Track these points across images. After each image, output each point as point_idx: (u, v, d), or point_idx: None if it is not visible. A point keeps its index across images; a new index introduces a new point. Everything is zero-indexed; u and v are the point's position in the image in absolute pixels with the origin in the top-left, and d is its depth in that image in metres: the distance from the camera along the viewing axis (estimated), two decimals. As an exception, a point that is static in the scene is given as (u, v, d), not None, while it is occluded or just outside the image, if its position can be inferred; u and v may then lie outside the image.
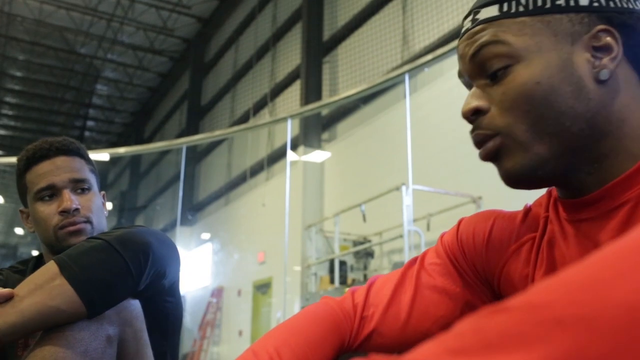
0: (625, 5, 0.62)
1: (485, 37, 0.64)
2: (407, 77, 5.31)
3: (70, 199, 1.20)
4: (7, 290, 0.89)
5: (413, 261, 0.81)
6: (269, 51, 11.44)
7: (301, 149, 8.75)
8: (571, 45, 0.62)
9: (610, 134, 0.61)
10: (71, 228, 1.19)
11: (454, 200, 5.64)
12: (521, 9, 0.63)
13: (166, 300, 1.18)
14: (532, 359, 0.24)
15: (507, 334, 0.26)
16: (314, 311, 0.76)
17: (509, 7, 0.64)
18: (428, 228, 5.79)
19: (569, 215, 0.66)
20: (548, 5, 0.63)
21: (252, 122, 10.91)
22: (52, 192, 1.22)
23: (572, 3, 0.62)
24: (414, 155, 4.97)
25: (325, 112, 8.88)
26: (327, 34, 9.65)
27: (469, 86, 0.69)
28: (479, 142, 0.65)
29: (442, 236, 0.82)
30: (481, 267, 0.76)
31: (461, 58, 0.68)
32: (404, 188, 5.14)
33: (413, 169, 4.95)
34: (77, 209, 1.20)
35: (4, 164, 10.29)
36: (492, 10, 0.65)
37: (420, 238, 5.49)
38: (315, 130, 9.05)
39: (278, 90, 10.85)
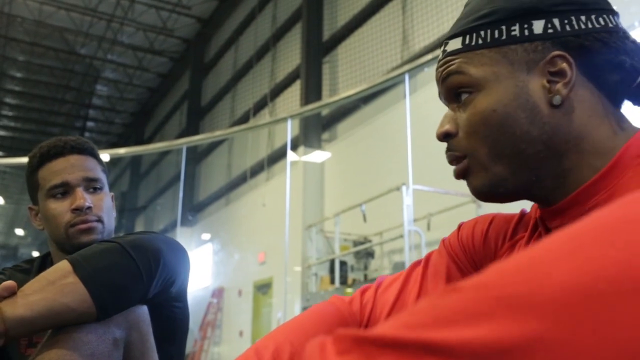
0: (582, 27, 0.65)
1: (451, 66, 0.70)
2: (407, 77, 5.31)
3: (84, 197, 1.20)
4: (12, 282, 0.88)
5: (417, 262, 0.84)
6: (269, 51, 11.44)
7: (301, 149, 8.74)
8: (527, 73, 0.66)
9: (570, 152, 0.65)
10: (83, 226, 1.20)
11: (454, 200, 5.64)
12: (480, 41, 0.68)
13: (174, 305, 1.18)
14: (479, 333, 0.27)
15: (457, 310, 0.28)
16: (320, 311, 0.78)
17: (470, 40, 0.69)
18: (428, 228, 5.79)
19: (548, 222, 0.70)
20: (504, 37, 0.67)
21: (252, 122, 10.91)
22: (64, 190, 1.22)
23: (526, 33, 0.66)
24: (414, 155, 4.98)
25: (325, 112, 8.88)
26: (327, 34, 9.65)
27: (447, 106, 0.75)
28: (450, 162, 0.72)
29: (443, 240, 0.86)
30: (480, 265, 0.80)
31: (437, 82, 0.75)
32: (404, 188, 5.14)
33: (413, 168, 4.95)
34: (89, 207, 1.20)
35: (4, 165, 10.30)
36: (456, 43, 0.70)
37: (421, 238, 5.49)
38: (315, 130, 9.05)
39: (278, 90, 10.85)
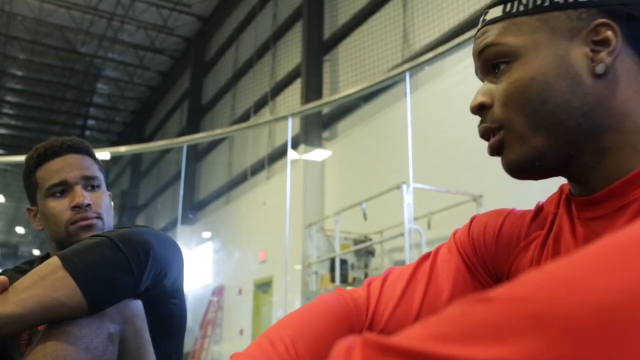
0: None
1: (487, 38, 0.68)
2: (407, 75, 5.31)
3: (83, 195, 1.21)
4: (3, 278, 0.88)
5: (426, 256, 0.82)
6: (270, 50, 11.44)
7: (302, 147, 8.74)
8: (569, 41, 0.63)
9: (611, 128, 0.62)
10: (83, 223, 1.21)
11: (454, 199, 5.63)
12: (522, 8, 0.66)
13: (170, 302, 1.18)
14: (506, 351, 0.25)
15: (486, 324, 0.27)
16: (327, 302, 0.77)
17: (511, 7, 0.66)
18: (429, 226, 5.79)
19: (579, 213, 0.67)
20: (547, 3, 0.64)
21: (252, 120, 10.91)
22: (63, 189, 1.23)
23: (570, 0, 0.63)
24: (415, 153, 4.97)
25: (325, 110, 8.88)
26: (327, 33, 9.64)
27: (482, 81, 0.72)
28: (483, 135, 0.69)
29: (454, 233, 0.83)
30: (491, 264, 0.77)
31: (473, 56, 0.72)
32: (404, 186, 5.14)
33: (414, 167, 4.95)
34: (89, 204, 1.22)
35: (4, 163, 10.30)
36: (497, 11, 0.68)
37: (421, 236, 5.49)
38: (315, 128, 9.05)
39: (278, 88, 10.85)
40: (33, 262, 1.32)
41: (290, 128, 6.55)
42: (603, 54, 0.62)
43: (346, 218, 6.81)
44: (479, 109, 0.68)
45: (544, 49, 0.64)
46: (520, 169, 0.66)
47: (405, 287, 0.78)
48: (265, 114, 10.86)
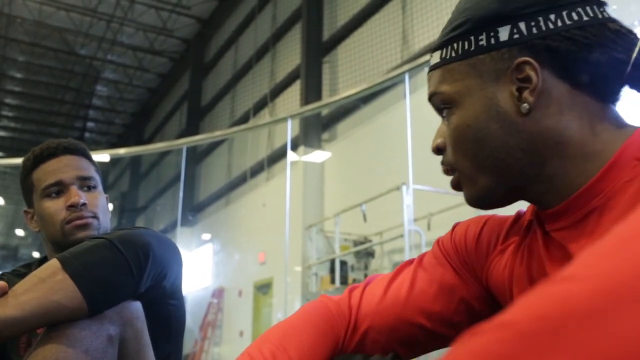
0: (551, 26, 0.62)
1: (431, 87, 0.71)
2: (407, 76, 5.31)
3: (78, 194, 1.22)
4: (2, 282, 0.88)
5: (410, 261, 0.84)
6: (269, 51, 11.44)
7: (301, 149, 8.74)
8: (496, 82, 0.65)
9: (553, 157, 0.63)
10: (78, 222, 1.21)
11: (454, 200, 5.63)
12: (453, 54, 0.68)
13: (169, 303, 1.18)
14: None
15: (478, 354, 0.27)
16: (310, 313, 0.78)
17: (445, 53, 0.69)
18: (429, 227, 5.79)
19: (545, 224, 0.69)
20: (472, 47, 0.66)
21: (252, 122, 10.90)
22: (59, 189, 1.23)
23: (492, 41, 0.64)
24: (415, 154, 4.97)
25: (325, 112, 8.88)
26: (326, 34, 9.64)
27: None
28: (445, 173, 0.74)
29: (437, 240, 0.85)
30: (472, 267, 0.79)
31: None
32: (404, 188, 5.13)
33: (413, 168, 4.95)
34: (84, 204, 1.22)
35: (4, 165, 10.30)
36: (436, 57, 0.71)
37: (421, 238, 5.49)
38: (315, 130, 9.05)
39: (278, 90, 10.85)
40: (31, 265, 1.32)
41: (290, 129, 6.55)
42: (526, 93, 0.63)
43: (346, 219, 6.80)
44: (437, 151, 0.73)
45: (475, 94, 0.66)
46: (477, 205, 0.70)
47: (387, 286, 0.80)
48: (265, 116, 10.85)
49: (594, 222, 0.62)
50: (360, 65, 8.50)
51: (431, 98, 0.71)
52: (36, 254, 23.07)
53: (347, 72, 8.82)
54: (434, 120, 0.73)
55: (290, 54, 10.56)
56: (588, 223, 0.62)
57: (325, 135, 9.19)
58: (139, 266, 0.98)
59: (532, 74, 0.62)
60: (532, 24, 0.63)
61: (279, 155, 9.94)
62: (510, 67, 0.63)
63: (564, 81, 0.63)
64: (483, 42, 0.65)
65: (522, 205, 0.80)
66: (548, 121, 0.63)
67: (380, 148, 7.44)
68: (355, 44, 8.78)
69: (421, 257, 0.83)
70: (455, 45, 0.67)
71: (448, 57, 0.68)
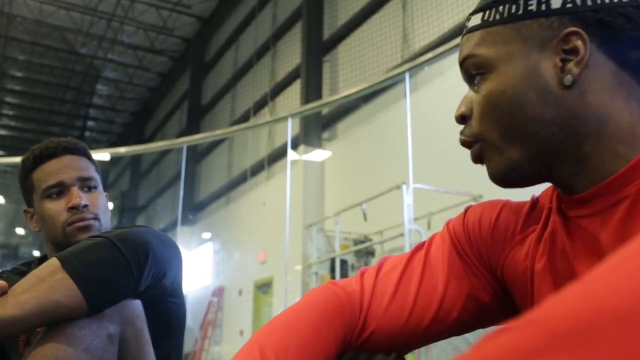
0: (605, 1, 0.60)
1: (466, 49, 0.68)
2: (407, 75, 5.30)
3: (79, 196, 1.21)
4: (2, 282, 0.88)
5: (420, 246, 0.81)
6: (269, 50, 11.44)
7: (301, 148, 8.74)
8: (540, 51, 0.63)
9: (589, 136, 0.61)
10: (80, 224, 1.20)
11: (454, 199, 5.63)
12: (497, 17, 0.65)
13: (169, 301, 1.18)
14: None
15: (505, 350, 0.27)
16: (318, 302, 0.74)
17: (489, 16, 0.66)
18: (429, 227, 5.79)
19: (570, 211, 0.66)
20: (520, 11, 0.63)
21: (252, 121, 10.90)
22: (60, 190, 1.23)
23: (543, 7, 0.62)
24: (415, 153, 4.97)
25: (325, 111, 8.88)
26: (327, 33, 9.64)
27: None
28: (462, 144, 0.70)
29: (448, 223, 0.82)
30: (486, 256, 0.76)
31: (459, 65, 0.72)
32: (404, 187, 5.13)
33: (414, 167, 4.95)
34: (85, 205, 1.21)
35: (4, 164, 10.30)
36: (476, 19, 0.68)
37: (421, 237, 5.48)
38: (315, 129, 9.05)
39: (278, 89, 10.84)
40: (31, 264, 1.32)
41: (290, 129, 6.55)
42: (571, 65, 0.61)
43: (346, 218, 6.80)
44: (461, 119, 0.69)
45: (516, 60, 0.63)
46: (501, 180, 0.67)
47: (399, 279, 0.77)
48: (265, 115, 10.85)
49: (626, 211, 0.59)
50: (360, 64, 8.50)
51: (464, 61, 0.68)
52: (36, 253, 23.08)
53: (348, 71, 8.82)
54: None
55: (291, 53, 10.56)
56: (618, 211, 0.60)
57: (325, 135, 9.19)
58: (138, 265, 0.98)
59: (580, 45, 0.60)
60: None
61: (279, 154, 9.94)
62: (558, 37, 0.62)
63: (611, 59, 0.62)
64: (533, 7, 0.63)
65: (534, 191, 0.78)
66: (590, 97, 0.61)
67: (380, 147, 7.44)
68: (356, 43, 8.77)
69: (430, 243, 0.80)
70: (500, 7, 0.65)
71: (492, 19, 0.65)
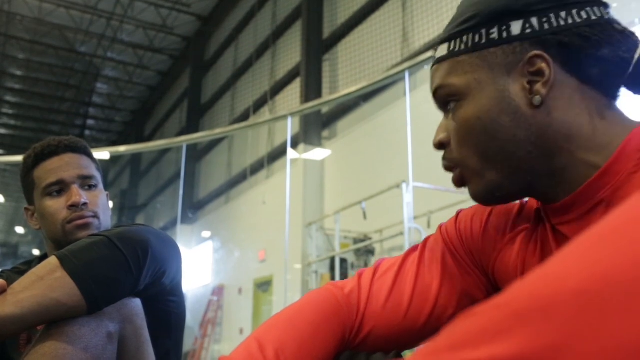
0: (562, 23, 0.64)
1: (437, 80, 0.71)
2: (407, 74, 5.30)
3: (79, 194, 1.22)
4: (1, 281, 0.88)
5: (414, 248, 0.84)
6: (269, 49, 11.43)
7: (301, 146, 8.74)
8: (507, 76, 0.66)
9: (561, 150, 0.64)
10: (79, 222, 1.21)
11: (454, 198, 5.63)
12: (462, 47, 0.68)
13: (169, 299, 1.18)
14: (494, 350, 0.27)
15: (475, 332, 0.28)
16: (317, 302, 0.77)
17: (454, 46, 0.69)
18: (429, 225, 5.80)
19: (552, 218, 0.69)
20: (484, 40, 0.67)
21: (252, 120, 10.90)
22: (60, 188, 1.23)
23: (504, 35, 0.66)
24: (415, 152, 4.97)
25: (325, 109, 8.88)
26: (327, 32, 9.64)
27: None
28: (445, 169, 0.73)
29: (440, 226, 0.85)
30: (478, 256, 0.79)
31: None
32: (404, 185, 5.13)
33: (413, 166, 4.95)
34: (85, 203, 1.22)
35: (4, 163, 10.30)
36: (443, 49, 0.71)
37: (421, 235, 5.49)
38: (315, 128, 9.05)
39: (278, 88, 10.84)
40: (31, 263, 1.32)
41: (290, 127, 6.55)
42: (539, 86, 0.64)
43: (346, 217, 6.80)
44: (440, 146, 0.72)
45: (486, 86, 0.66)
46: (483, 200, 0.70)
47: (394, 279, 0.80)
48: (265, 113, 10.85)
49: (601, 215, 0.62)
50: (360, 62, 8.50)
51: (436, 91, 0.71)
52: (36, 252, 23.07)
53: (348, 70, 8.82)
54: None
55: (291, 51, 10.55)
56: (595, 216, 0.63)
57: (325, 133, 9.19)
58: (137, 263, 0.98)
59: (544, 67, 0.64)
60: (544, 19, 0.64)
61: (279, 152, 9.94)
62: (522, 61, 0.65)
63: (573, 76, 0.65)
64: (495, 36, 0.66)
65: None
66: (558, 114, 0.64)
67: (380, 146, 7.44)
68: (356, 42, 8.77)
69: (424, 245, 0.83)
70: (464, 38, 0.68)
71: (457, 49, 0.68)
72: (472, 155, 0.68)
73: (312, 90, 9.12)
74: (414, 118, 5.11)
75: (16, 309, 0.86)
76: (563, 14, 0.64)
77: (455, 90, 0.68)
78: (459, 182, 0.72)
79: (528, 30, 0.65)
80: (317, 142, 8.96)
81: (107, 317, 0.95)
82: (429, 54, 5.09)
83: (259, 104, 11.47)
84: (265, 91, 11.21)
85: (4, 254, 25.19)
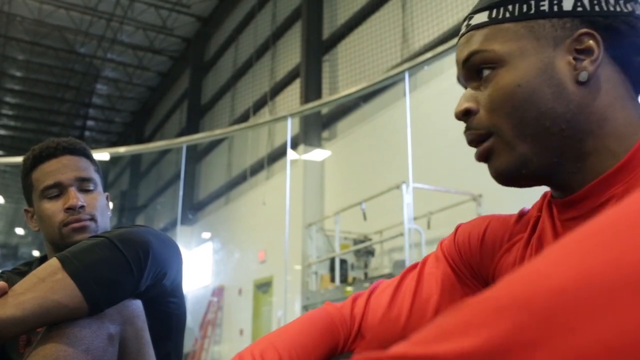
0: (610, 9, 0.65)
1: (473, 45, 0.69)
2: (407, 75, 5.31)
3: (76, 196, 1.21)
4: (2, 283, 0.88)
5: (413, 266, 0.84)
6: (269, 50, 11.44)
7: (301, 147, 8.74)
8: (553, 49, 0.65)
9: (592, 134, 0.64)
10: (76, 225, 1.21)
11: (454, 198, 5.64)
12: (507, 15, 0.67)
13: (169, 300, 1.18)
14: (476, 342, 0.28)
15: (458, 323, 0.29)
16: (309, 316, 0.79)
17: (497, 13, 0.68)
18: (428, 226, 5.79)
19: (560, 214, 0.69)
20: (532, 11, 0.66)
21: (252, 121, 10.91)
22: (58, 190, 1.23)
23: (555, 8, 0.66)
24: (414, 153, 4.97)
25: (325, 110, 8.88)
26: (326, 33, 9.64)
27: (465, 88, 0.73)
28: (471, 142, 0.71)
29: (441, 243, 0.85)
30: (477, 268, 0.80)
31: (456, 63, 0.73)
32: (404, 186, 5.14)
33: (413, 167, 4.95)
34: (82, 206, 1.22)
35: (4, 164, 10.30)
36: (482, 17, 0.69)
37: (421, 236, 5.49)
38: (315, 128, 9.05)
39: (278, 88, 10.85)
40: (31, 264, 1.32)
41: (290, 128, 6.55)
42: (586, 62, 0.64)
43: (346, 218, 6.81)
44: (464, 114, 0.70)
45: (530, 56, 0.65)
46: (507, 176, 0.68)
47: (392, 295, 0.80)
48: (265, 114, 10.85)
49: None
50: (360, 63, 8.50)
51: (470, 57, 0.69)
52: (36, 253, 23.08)
53: (347, 71, 8.82)
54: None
55: (290, 52, 10.56)
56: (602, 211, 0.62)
57: (325, 134, 9.19)
58: (138, 264, 0.98)
59: (593, 45, 0.64)
60: (595, 1, 0.65)
61: (279, 153, 9.94)
62: (571, 37, 0.65)
63: (615, 61, 0.66)
64: (545, 8, 0.66)
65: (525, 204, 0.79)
66: (597, 96, 0.64)
67: (380, 146, 7.45)
68: (355, 43, 8.77)
69: (424, 262, 0.83)
70: (510, 6, 0.67)
71: (501, 16, 0.68)
72: (505, 123, 0.66)
73: (312, 91, 9.12)
74: (413, 119, 5.12)
75: (17, 310, 0.86)
76: (612, 0, 0.65)
77: (495, 57, 0.67)
78: (483, 155, 0.69)
79: (579, 8, 0.65)
80: (317, 143, 8.97)
81: (108, 318, 0.95)
82: (429, 54, 5.09)
83: (258, 105, 11.47)
84: (265, 92, 11.21)
85: (4, 255, 25.19)
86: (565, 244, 0.30)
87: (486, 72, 0.68)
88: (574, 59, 0.65)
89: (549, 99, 0.64)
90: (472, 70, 0.70)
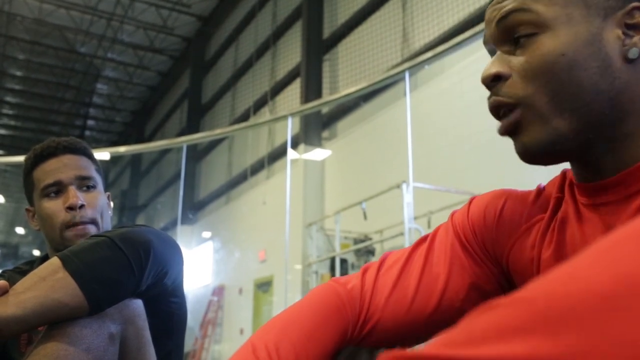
0: None
1: (513, 3, 0.63)
2: (407, 74, 5.30)
3: (76, 195, 1.21)
4: (3, 282, 0.88)
5: (423, 239, 0.80)
6: (269, 49, 11.44)
7: (302, 147, 8.74)
8: (603, 19, 0.60)
9: (633, 114, 0.60)
10: (77, 231, 1.21)
11: (454, 198, 5.63)
12: None
13: (170, 300, 1.18)
14: (512, 348, 0.26)
15: (491, 327, 0.27)
16: (317, 299, 0.74)
17: None
18: (429, 226, 5.79)
19: (586, 199, 0.65)
20: None
21: (252, 120, 10.91)
22: (58, 189, 1.23)
23: None
24: (415, 152, 4.97)
25: (325, 110, 8.88)
26: (327, 32, 9.64)
27: (492, 53, 0.68)
28: (494, 109, 0.65)
29: (452, 214, 0.80)
30: (491, 246, 0.75)
31: (487, 23, 0.67)
32: (404, 186, 5.13)
33: (414, 166, 4.95)
34: (82, 205, 1.21)
35: (4, 164, 10.30)
36: None
37: (421, 235, 5.48)
38: (315, 128, 9.05)
39: (278, 88, 10.85)
40: (33, 263, 1.32)
41: (290, 128, 6.54)
42: (636, 39, 0.60)
43: (346, 217, 6.80)
44: (493, 79, 0.64)
45: (577, 24, 0.60)
46: (538, 153, 0.62)
47: (400, 272, 0.76)
48: (265, 114, 10.85)
49: None
50: (360, 63, 8.50)
51: (509, 16, 0.63)
52: (37, 252, 23.08)
53: (348, 70, 8.82)
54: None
55: (291, 51, 10.56)
56: (636, 201, 0.59)
57: (325, 133, 9.19)
58: (139, 264, 0.98)
59: None
60: None
61: (279, 153, 9.94)
62: (623, 10, 0.60)
63: None
64: None
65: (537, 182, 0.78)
66: None
67: (380, 146, 7.44)
68: (356, 42, 8.77)
69: (434, 236, 0.79)
70: None
71: None
72: (541, 94, 0.60)
73: (312, 90, 9.12)
74: (414, 118, 5.11)
75: (18, 309, 0.86)
76: None
77: (538, 19, 0.61)
78: (509, 128, 0.63)
79: None
80: (317, 142, 8.97)
81: (109, 318, 0.95)
82: (429, 54, 5.09)
83: (259, 104, 11.47)
84: (265, 91, 11.21)
85: (5, 254, 25.20)
86: (608, 244, 0.28)
87: (523, 36, 0.62)
88: (624, 33, 0.60)
89: (594, 72, 0.59)
90: (508, 32, 0.64)
